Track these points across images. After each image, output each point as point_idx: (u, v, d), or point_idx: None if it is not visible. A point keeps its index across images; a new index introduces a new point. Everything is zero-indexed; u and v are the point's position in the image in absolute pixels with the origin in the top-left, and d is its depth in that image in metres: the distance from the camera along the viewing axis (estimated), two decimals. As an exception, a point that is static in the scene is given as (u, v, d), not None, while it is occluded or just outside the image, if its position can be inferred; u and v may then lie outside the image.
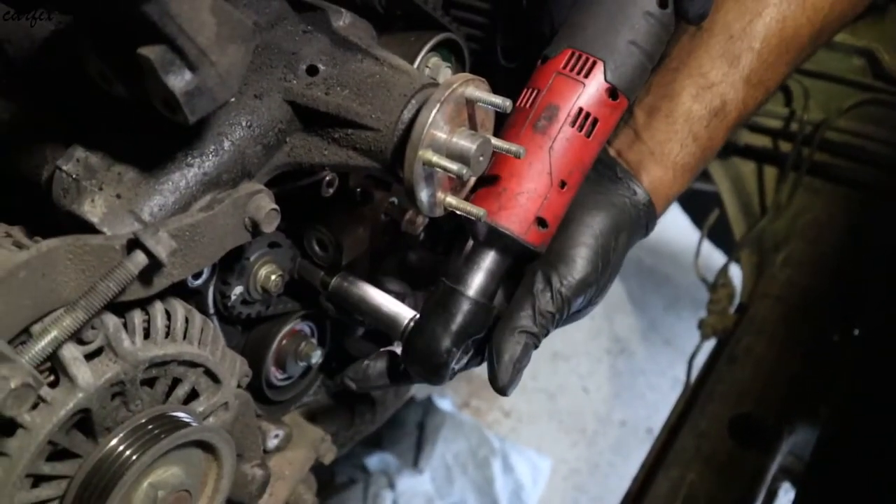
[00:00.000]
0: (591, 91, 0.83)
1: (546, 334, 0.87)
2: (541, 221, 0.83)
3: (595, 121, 0.83)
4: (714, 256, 2.42)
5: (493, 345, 0.85)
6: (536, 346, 0.87)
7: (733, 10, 0.95)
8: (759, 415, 1.56)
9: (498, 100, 0.77)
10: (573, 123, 0.82)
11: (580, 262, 0.87)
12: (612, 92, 0.83)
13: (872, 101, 1.79)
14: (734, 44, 0.94)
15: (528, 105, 0.85)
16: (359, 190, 1.05)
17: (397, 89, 0.78)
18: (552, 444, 2.65)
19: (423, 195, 0.78)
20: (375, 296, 0.93)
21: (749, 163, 2.02)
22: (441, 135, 0.76)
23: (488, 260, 0.85)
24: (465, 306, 0.84)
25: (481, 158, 0.78)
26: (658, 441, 1.61)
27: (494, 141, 0.79)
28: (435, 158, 0.75)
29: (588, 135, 0.83)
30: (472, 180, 0.85)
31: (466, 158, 0.76)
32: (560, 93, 0.83)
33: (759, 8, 0.94)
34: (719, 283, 2.01)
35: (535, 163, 0.82)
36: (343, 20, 0.85)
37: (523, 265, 0.88)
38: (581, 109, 0.82)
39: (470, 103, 0.78)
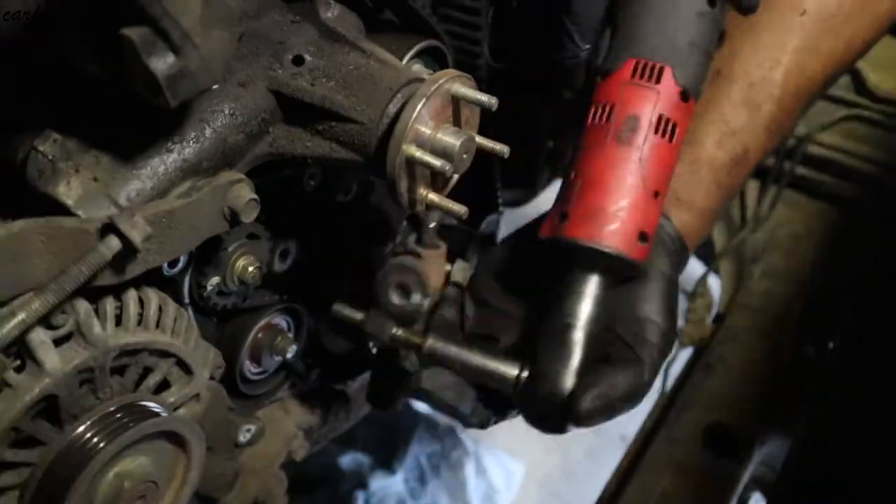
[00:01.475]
0: (665, 96, 0.81)
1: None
2: (643, 236, 0.80)
3: (675, 125, 0.82)
4: (693, 266, 2.43)
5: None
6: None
7: (752, 57, 0.96)
8: (733, 424, 1.57)
9: (484, 97, 0.76)
10: (656, 131, 0.81)
11: (664, 313, 0.85)
12: (684, 94, 0.82)
13: (855, 118, 1.81)
14: (755, 91, 0.95)
15: (603, 120, 0.82)
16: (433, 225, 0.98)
17: (383, 83, 0.77)
18: (527, 448, 2.64)
19: (405, 190, 0.77)
20: (473, 353, 0.87)
21: (731, 174, 2.03)
22: (426, 130, 0.75)
23: (593, 285, 0.82)
24: (581, 341, 0.80)
25: (465, 156, 0.78)
26: (632, 448, 1.61)
27: (479, 139, 0.79)
28: (418, 154, 0.74)
29: (671, 140, 0.82)
30: (456, 177, 0.84)
31: (450, 155, 0.76)
32: (636, 102, 0.81)
33: (777, 56, 0.95)
34: (698, 293, 2.02)
35: (626, 176, 0.80)
36: (331, 12, 0.84)
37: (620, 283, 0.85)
38: (661, 116, 0.81)
39: (456, 100, 0.78)
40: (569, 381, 0.79)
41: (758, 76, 0.95)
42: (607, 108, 0.82)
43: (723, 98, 0.95)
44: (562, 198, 0.84)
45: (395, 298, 0.95)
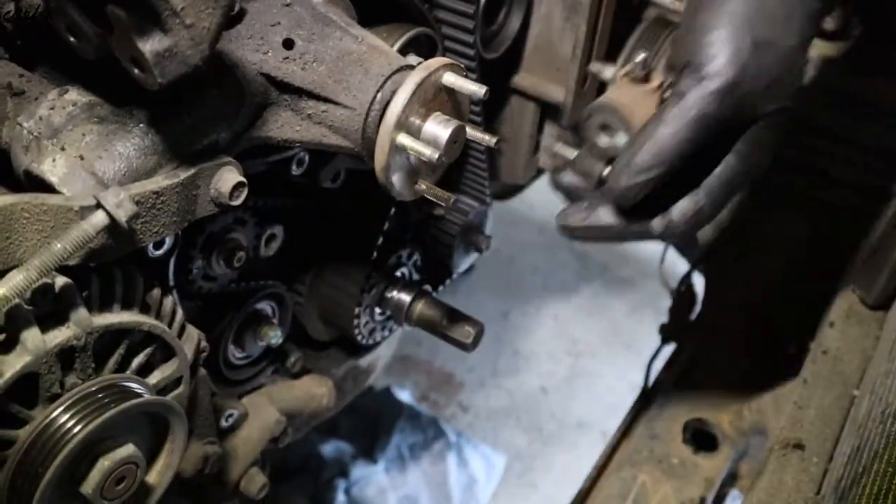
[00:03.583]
0: None
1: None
2: None
3: None
4: (678, 264, 2.44)
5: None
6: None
7: None
8: (713, 421, 1.57)
9: (474, 87, 0.76)
10: None
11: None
12: None
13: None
14: None
15: None
16: None
17: (374, 69, 0.77)
18: (508, 441, 2.66)
19: (394, 178, 0.77)
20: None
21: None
22: (415, 118, 0.75)
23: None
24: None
25: (454, 144, 0.78)
26: (612, 442, 1.62)
27: (468, 128, 0.79)
28: (408, 141, 0.74)
29: None
30: (445, 166, 0.84)
31: (440, 143, 0.76)
32: None
33: None
34: (682, 290, 2.03)
35: None
36: (323, -4, 0.83)
37: None
38: None
39: (446, 88, 0.78)
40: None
41: None
42: None
43: None
44: None
45: (602, 139, 0.90)
